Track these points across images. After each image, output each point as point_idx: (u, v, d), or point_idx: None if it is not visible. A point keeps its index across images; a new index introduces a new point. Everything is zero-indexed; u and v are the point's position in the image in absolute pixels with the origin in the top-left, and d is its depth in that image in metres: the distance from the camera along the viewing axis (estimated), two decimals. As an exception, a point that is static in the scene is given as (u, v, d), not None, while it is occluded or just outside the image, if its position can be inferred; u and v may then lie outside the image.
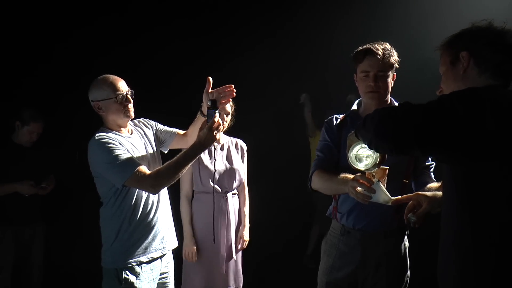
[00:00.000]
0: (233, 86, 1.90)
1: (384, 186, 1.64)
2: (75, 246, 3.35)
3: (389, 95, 1.95)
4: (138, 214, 1.94)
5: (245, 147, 2.85)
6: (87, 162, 1.93)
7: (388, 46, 1.90)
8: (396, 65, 1.91)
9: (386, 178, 1.69)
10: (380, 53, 1.85)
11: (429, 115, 1.18)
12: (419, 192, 1.63)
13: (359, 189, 1.62)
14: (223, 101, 1.91)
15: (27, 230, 3.10)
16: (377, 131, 1.27)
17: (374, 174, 1.65)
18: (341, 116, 2.06)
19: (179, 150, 2.11)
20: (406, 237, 2.02)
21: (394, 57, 1.89)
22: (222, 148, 2.74)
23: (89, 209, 2.29)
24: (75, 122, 3.25)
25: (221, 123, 1.86)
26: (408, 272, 1.99)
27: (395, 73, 1.93)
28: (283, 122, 3.41)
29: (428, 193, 1.60)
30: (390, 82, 1.91)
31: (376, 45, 1.88)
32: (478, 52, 1.29)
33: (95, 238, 2.07)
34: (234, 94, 1.91)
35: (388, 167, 1.68)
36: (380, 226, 1.91)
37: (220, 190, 2.66)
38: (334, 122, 2.05)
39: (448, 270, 1.26)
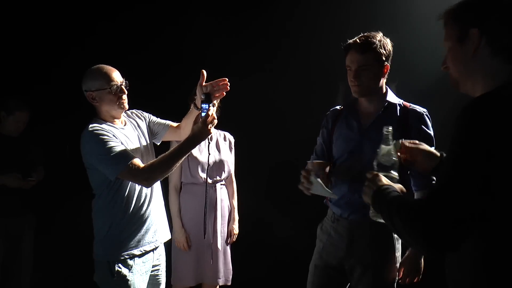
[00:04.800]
0: (227, 79, 1.91)
1: (324, 180, 1.80)
2: (66, 238, 3.33)
3: (381, 85, 1.92)
4: (131, 207, 1.93)
5: (232, 140, 2.91)
6: (79, 154, 1.92)
7: (376, 38, 1.85)
8: (384, 58, 1.86)
9: (325, 172, 1.87)
10: (362, 48, 1.83)
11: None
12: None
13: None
14: (217, 95, 1.91)
15: (16, 222, 3.07)
16: (411, 233, 1.06)
17: (311, 168, 1.81)
18: (339, 107, 2.11)
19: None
20: None
21: (382, 49, 1.85)
22: (211, 139, 2.77)
23: (81, 201, 2.27)
24: (66, 113, 3.21)
25: (215, 117, 1.86)
26: (398, 264, 1.97)
27: (387, 64, 1.89)
28: (276, 116, 3.43)
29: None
30: (377, 75, 1.88)
31: (360, 39, 1.86)
32: (490, 30, 1.09)
33: (87, 230, 2.06)
34: (228, 87, 1.91)
35: (327, 162, 1.90)
36: (365, 217, 1.87)
37: (210, 181, 2.70)
38: (331, 114, 2.10)
39: (461, 273, 1.13)
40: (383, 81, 1.93)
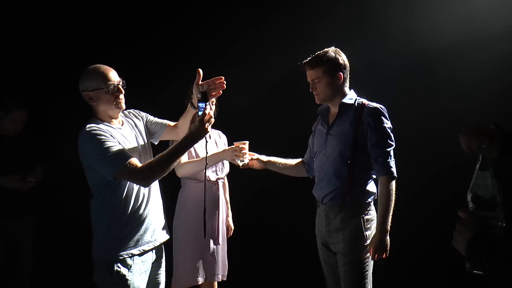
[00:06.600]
0: (223, 78, 1.90)
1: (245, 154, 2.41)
2: (64, 239, 3.33)
3: (340, 90, 2.21)
4: (129, 207, 1.93)
5: (225, 138, 2.96)
6: (78, 153, 1.91)
7: (325, 54, 2.16)
8: (335, 69, 2.17)
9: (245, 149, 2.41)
10: (311, 64, 2.18)
11: None
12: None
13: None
14: (214, 93, 1.90)
15: (15, 222, 3.07)
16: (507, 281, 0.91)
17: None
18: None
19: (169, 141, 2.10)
20: (370, 211, 2.19)
21: (331, 63, 2.16)
22: (209, 137, 2.78)
23: (80, 201, 2.27)
24: (65, 113, 3.21)
25: (212, 116, 1.86)
26: (367, 242, 2.14)
27: (339, 73, 2.19)
28: (268, 114, 3.45)
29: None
30: (330, 84, 2.19)
31: (309, 59, 2.19)
32: None
33: (86, 230, 2.06)
34: (225, 86, 1.90)
35: (246, 141, 2.40)
36: (334, 201, 2.20)
37: (214, 179, 2.73)
38: (317, 118, 2.41)
39: None
40: (342, 86, 2.22)
